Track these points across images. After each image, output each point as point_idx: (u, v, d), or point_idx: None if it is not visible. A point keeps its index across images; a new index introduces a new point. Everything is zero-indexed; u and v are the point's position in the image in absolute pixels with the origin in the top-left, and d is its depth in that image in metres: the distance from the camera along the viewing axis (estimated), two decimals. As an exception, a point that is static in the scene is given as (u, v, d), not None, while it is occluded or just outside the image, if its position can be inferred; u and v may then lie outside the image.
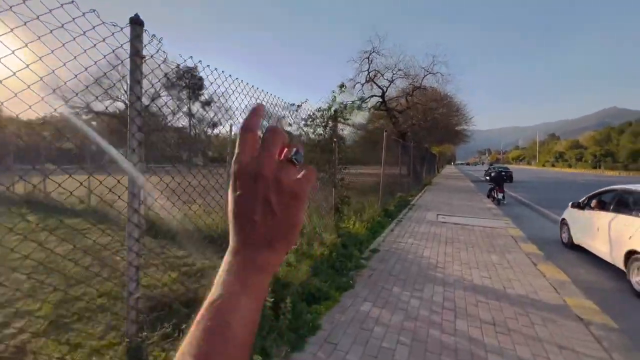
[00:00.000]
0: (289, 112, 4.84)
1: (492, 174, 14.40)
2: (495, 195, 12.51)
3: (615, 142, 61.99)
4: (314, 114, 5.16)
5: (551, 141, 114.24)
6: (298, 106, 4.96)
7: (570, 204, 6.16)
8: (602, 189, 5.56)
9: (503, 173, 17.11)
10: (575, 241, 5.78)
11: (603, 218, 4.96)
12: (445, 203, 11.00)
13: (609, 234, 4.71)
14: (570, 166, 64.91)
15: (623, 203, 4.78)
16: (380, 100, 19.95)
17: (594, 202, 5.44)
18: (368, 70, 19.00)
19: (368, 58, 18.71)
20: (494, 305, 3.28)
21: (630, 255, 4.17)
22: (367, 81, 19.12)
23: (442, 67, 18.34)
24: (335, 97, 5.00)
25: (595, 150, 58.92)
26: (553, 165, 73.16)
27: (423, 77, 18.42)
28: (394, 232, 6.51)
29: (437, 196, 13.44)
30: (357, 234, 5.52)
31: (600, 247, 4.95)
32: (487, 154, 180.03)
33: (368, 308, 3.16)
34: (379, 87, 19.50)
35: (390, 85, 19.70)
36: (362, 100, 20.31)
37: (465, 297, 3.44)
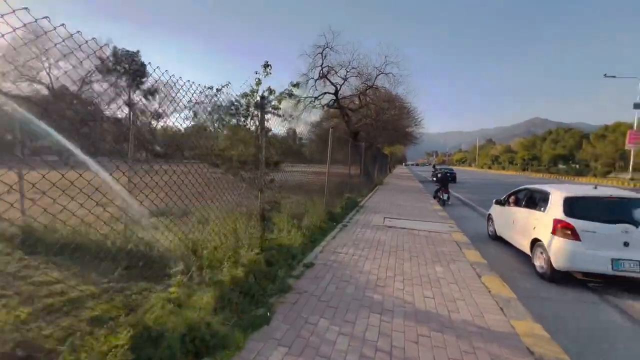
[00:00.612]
0: (206, 98, 3.83)
1: (439, 175, 14.98)
2: (441, 196, 12.88)
3: (539, 148, 70.32)
4: (237, 101, 4.21)
5: (488, 146, 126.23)
6: (218, 90, 3.97)
7: (494, 201, 7.06)
8: (517, 188, 6.54)
9: (448, 174, 17.84)
10: (498, 233, 6.71)
11: (517, 213, 5.88)
12: (394, 204, 10.76)
13: (520, 226, 5.61)
14: (504, 168, 72.11)
15: (531, 200, 5.71)
16: (334, 98, 19.50)
17: (511, 199, 6.39)
18: (321, 66, 18.38)
19: (322, 53, 18.08)
20: (437, 340, 2.68)
21: (534, 243, 4.99)
22: (320, 77, 18.49)
23: (393, 67, 18.30)
24: (259, 80, 4.10)
25: (524, 154, 66.19)
26: (490, 168, 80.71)
27: (375, 77, 18.35)
28: (335, 239, 5.83)
29: (387, 196, 13.26)
30: (291, 245, 4.70)
31: (515, 237, 5.83)
32: (434, 156, 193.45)
33: (279, 358, 2.34)
34: (332, 84, 19.01)
35: (344, 83, 19.33)
36: (316, 97, 19.66)
37: (405, 330, 2.81)
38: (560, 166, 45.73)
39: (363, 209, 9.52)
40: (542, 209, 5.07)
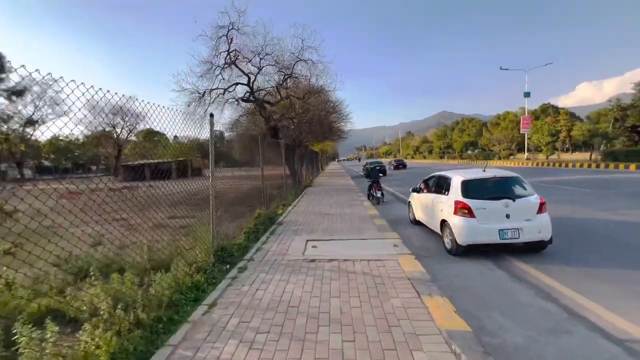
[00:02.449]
0: None
1: (369, 168, 14.04)
2: (375, 194, 11.57)
3: (450, 137, 78.49)
4: None
5: (408, 138, 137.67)
6: None
7: (411, 189, 7.77)
8: (427, 177, 7.14)
9: (378, 168, 16.80)
10: (417, 218, 7.41)
11: (428, 198, 6.51)
12: (323, 213, 8.58)
13: (432, 210, 6.26)
14: (424, 157, 78.45)
15: (439, 185, 6.28)
16: (248, 90, 16.56)
17: (423, 186, 7.03)
18: (228, 50, 15.23)
19: (226, 36, 14.93)
20: None
21: (442, 223, 5.66)
22: (227, 64, 15.34)
23: (312, 53, 16.15)
24: None
25: (440, 144, 72.93)
26: (412, 157, 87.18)
27: (293, 65, 16.02)
28: (213, 312, 3.20)
29: (315, 202, 11.08)
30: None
31: (428, 220, 6.54)
32: (363, 150, 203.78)
33: None
34: (245, 73, 16.03)
35: (259, 72, 16.53)
36: (225, 89, 16.44)
37: None
38: (470, 152, 51.19)
39: (281, 227, 7.07)
40: (446, 192, 5.75)
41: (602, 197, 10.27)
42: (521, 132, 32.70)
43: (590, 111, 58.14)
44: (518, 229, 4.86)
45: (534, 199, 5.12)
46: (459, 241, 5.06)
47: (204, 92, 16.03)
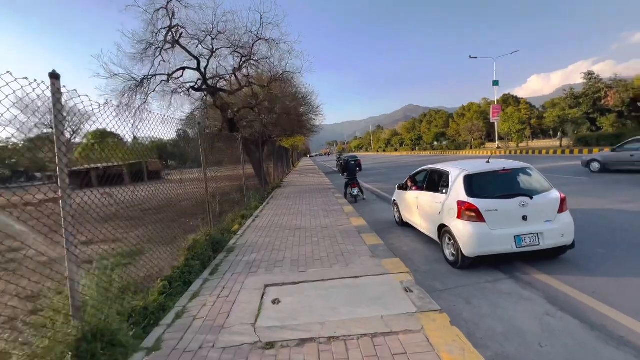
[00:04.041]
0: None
1: (342, 163, 12.98)
2: (352, 192, 10.31)
3: (419, 129, 79.41)
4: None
5: (379, 131, 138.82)
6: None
7: (397, 186, 6.88)
8: (415, 171, 6.21)
9: (352, 162, 15.27)
10: (404, 219, 6.52)
11: (419, 197, 5.55)
12: (292, 228, 6.44)
13: (425, 211, 5.30)
14: (396, 150, 78.76)
15: (432, 182, 5.35)
16: (201, 78, 13.87)
17: (410, 183, 6.17)
18: (170, 26, 12.44)
19: (166, 7, 12.13)
20: None
21: (441, 229, 4.69)
22: (169, 43, 12.53)
23: (274, 30, 13.70)
24: None
25: (411, 136, 73.27)
26: (384, 150, 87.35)
27: (252, 45, 13.56)
28: None
29: (283, 209, 8.89)
30: None
31: (421, 224, 5.57)
32: (334, 145, 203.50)
33: None
34: (194, 56, 13.31)
35: (212, 55, 13.86)
36: (169, 75, 13.61)
37: None
38: (439, 143, 51.51)
39: (231, 257, 4.82)
40: (444, 190, 4.80)
41: (602, 185, 9.13)
42: (492, 121, 32.68)
43: (539, 101, 61.18)
44: (538, 234, 4.01)
45: (554, 195, 4.25)
46: (465, 252, 4.13)
47: (142, 78, 13.07)
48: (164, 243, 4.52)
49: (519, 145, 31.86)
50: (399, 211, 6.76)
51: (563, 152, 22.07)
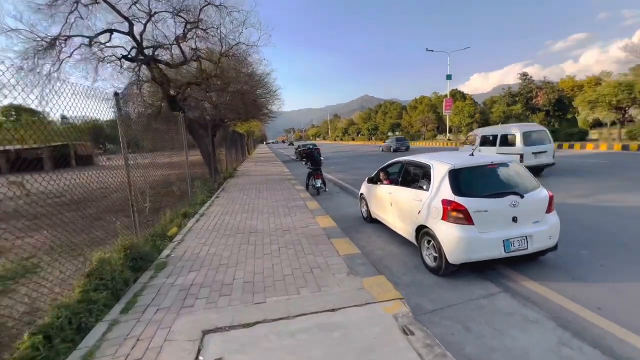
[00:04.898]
0: None
1: (301, 151, 11.93)
2: (314, 184, 9.52)
3: (374, 119, 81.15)
4: None
5: (336, 120, 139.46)
6: None
7: (366, 178, 6.24)
8: (388, 162, 5.60)
9: (315, 149, 14.44)
10: (373, 215, 5.93)
11: (394, 193, 4.91)
12: (246, 231, 5.26)
13: (401, 210, 4.67)
14: (353, 139, 79.67)
15: (409, 176, 4.76)
16: (134, 46, 11.48)
17: (382, 176, 5.54)
18: (88, -25, 9.90)
19: (82, -50, 9.57)
20: None
21: (420, 230, 4.12)
22: (87, -3, 10.00)
23: (226, -5, 11.83)
24: None
25: (367, 125, 74.45)
26: (341, 139, 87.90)
27: (200, 10, 11.54)
28: None
29: (236, 205, 7.61)
30: None
31: (395, 223, 4.92)
32: (292, 133, 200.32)
33: None
34: (125, 17, 10.89)
35: (150, 19, 11.52)
36: (91, 39, 11.05)
37: None
38: (396, 133, 53.01)
39: (158, 278, 3.54)
40: (425, 187, 4.18)
41: (557, 179, 9.47)
42: (444, 113, 34.09)
43: (479, 98, 66.48)
44: (527, 237, 3.63)
45: (544, 194, 3.89)
46: (450, 258, 3.64)
47: (54, 39, 10.42)
48: (75, 252, 3.14)
49: (468, 138, 33.93)
50: (367, 206, 6.16)
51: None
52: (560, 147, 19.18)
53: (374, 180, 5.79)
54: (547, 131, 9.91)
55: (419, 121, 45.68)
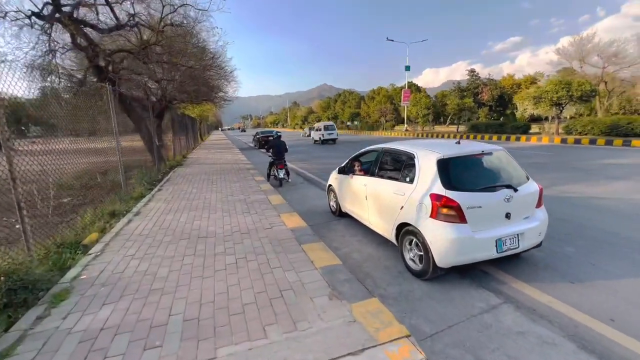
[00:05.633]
0: None
1: (260, 138, 10.27)
2: (277, 174, 8.86)
3: (334, 108, 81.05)
4: None
5: (295, 108, 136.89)
6: None
7: (337, 168, 5.49)
8: (362, 150, 5.00)
9: (278, 136, 13.36)
10: (343, 209, 5.32)
11: (370, 185, 4.33)
12: (192, 235, 4.17)
13: (379, 204, 4.09)
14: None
15: (387, 166, 4.19)
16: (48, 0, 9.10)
17: (356, 166, 4.99)
18: None
19: None
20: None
21: (402, 228, 3.60)
22: None
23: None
24: None
25: (327, 114, 73.91)
26: (301, 128, 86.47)
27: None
28: None
29: (182, 201, 6.34)
30: None
31: (371, 219, 4.35)
32: (249, 119, 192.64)
33: None
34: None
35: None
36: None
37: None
38: (354, 123, 53.29)
39: (51, 318, 2.41)
40: (407, 179, 3.64)
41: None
42: (402, 104, 34.73)
43: (431, 92, 70.26)
44: (518, 234, 3.29)
45: (533, 186, 3.58)
46: (439, 261, 3.19)
47: None
48: None
49: (424, 129, 35.08)
50: (336, 199, 5.59)
51: (462, 136, 24.80)
52: (508, 139, 20.47)
53: (346, 171, 5.15)
54: (335, 125, 17.10)
55: (377, 111, 46.28)
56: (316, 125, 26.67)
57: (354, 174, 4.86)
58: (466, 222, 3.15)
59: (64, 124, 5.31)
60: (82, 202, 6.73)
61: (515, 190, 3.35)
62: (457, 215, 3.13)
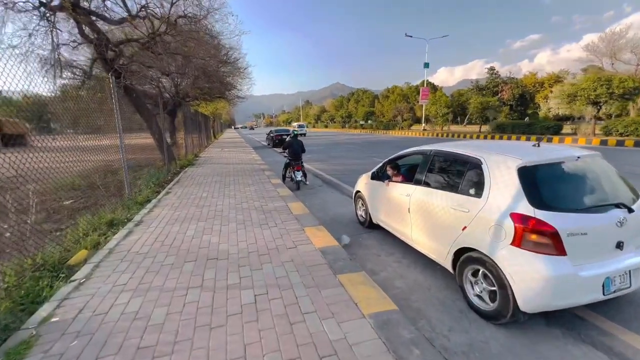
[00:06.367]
0: None
1: (273, 136, 9.58)
2: (294, 177, 8.17)
3: (346, 107, 79.94)
4: None
5: (307, 106, 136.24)
6: None
7: (370, 175, 4.66)
8: (401, 152, 4.09)
9: (284, 136, 12.52)
10: (375, 220, 4.55)
11: (416, 195, 3.44)
12: (201, 256, 3.43)
13: (430, 221, 3.20)
14: (326, 126, 77.96)
15: (441, 173, 3.28)
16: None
17: (392, 171, 4.18)
18: None
19: None
20: None
21: (462, 253, 2.77)
22: None
23: None
24: None
25: (341, 113, 73.00)
26: (314, 126, 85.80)
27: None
28: None
29: (189, 210, 5.61)
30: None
31: (415, 237, 3.48)
32: (262, 118, 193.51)
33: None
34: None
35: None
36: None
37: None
38: (369, 122, 51.99)
39: None
40: (472, 190, 2.77)
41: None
42: (420, 103, 33.45)
43: (446, 91, 68.22)
44: (630, 271, 2.38)
45: None
46: (524, 305, 2.30)
47: None
48: None
49: (443, 128, 33.70)
50: (365, 208, 4.82)
51: (485, 137, 23.44)
52: (539, 140, 19.05)
53: (380, 176, 4.40)
54: (305, 124, 21.64)
55: (392, 110, 45.01)
56: (294, 127, 34.36)
57: (391, 181, 4.09)
58: (565, 254, 2.30)
59: (66, 120, 4.70)
60: (84, 206, 6.13)
61: (631, 210, 2.50)
62: (553, 244, 2.28)
